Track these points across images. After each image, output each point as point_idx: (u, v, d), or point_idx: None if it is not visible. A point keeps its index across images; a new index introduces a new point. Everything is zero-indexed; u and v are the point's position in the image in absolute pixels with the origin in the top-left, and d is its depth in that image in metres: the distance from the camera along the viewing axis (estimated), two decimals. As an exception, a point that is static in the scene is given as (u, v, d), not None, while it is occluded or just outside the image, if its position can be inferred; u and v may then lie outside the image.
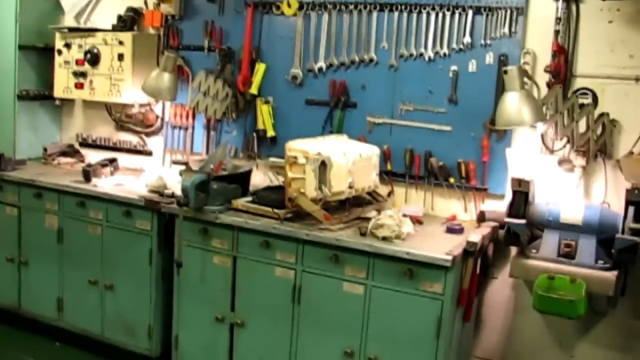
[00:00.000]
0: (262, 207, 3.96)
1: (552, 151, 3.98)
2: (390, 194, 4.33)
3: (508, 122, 3.60)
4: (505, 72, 3.58)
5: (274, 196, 3.99)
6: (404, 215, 3.82)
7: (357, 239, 3.64)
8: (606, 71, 3.82)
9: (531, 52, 3.96)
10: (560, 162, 3.94)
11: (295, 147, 3.79)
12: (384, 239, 3.61)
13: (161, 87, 4.53)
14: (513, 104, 3.55)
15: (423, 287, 3.51)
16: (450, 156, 4.19)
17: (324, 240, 3.68)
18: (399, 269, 3.54)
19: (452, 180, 4.19)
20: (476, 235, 3.63)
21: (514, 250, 3.93)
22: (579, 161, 3.85)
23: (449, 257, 3.40)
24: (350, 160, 3.81)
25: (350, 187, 3.83)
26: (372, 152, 4.05)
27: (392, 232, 3.62)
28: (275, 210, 3.86)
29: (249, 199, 4.12)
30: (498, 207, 4.06)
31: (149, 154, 5.25)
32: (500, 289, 4.17)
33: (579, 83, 3.89)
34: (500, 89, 3.96)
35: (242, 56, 4.70)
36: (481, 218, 4.01)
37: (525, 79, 3.62)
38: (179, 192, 4.19)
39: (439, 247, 3.55)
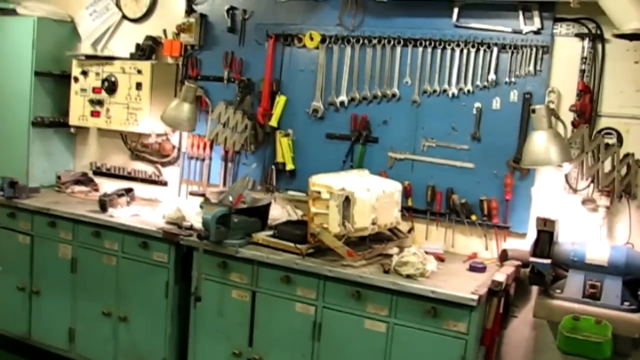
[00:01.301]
0: (284, 241, 3.92)
1: (575, 190, 3.95)
2: (410, 230, 4.29)
3: (535, 161, 3.57)
4: (533, 110, 3.57)
5: (296, 231, 3.95)
6: (427, 253, 3.77)
7: (381, 276, 3.60)
8: (631, 111, 3.81)
9: (556, 91, 3.94)
10: (584, 201, 3.92)
11: (319, 182, 3.76)
12: (408, 276, 3.57)
13: (181, 118, 4.50)
14: (540, 143, 3.53)
15: (447, 326, 3.47)
16: (472, 193, 4.16)
17: (347, 277, 3.64)
18: (422, 307, 3.50)
19: (473, 217, 4.15)
20: (501, 275, 3.59)
21: (534, 288, 3.91)
22: (603, 201, 3.82)
23: (475, 297, 3.36)
24: (374, 196, 3.77)
25: (374, 223, 3.79)
26: (394, 188, 4.02)
27: (417, 269, 3.57)
28: (298, 246, 3.81)
29: (270, 233, 4.07)
30: (520, 245, 4.04)
31: (164, 184, 5.21)
32: (521, 327, 4.11)
33: (603, 123, 3.88)
34: (524, 127, 3.98)
35: (262, 88, 4.69)
36: (504, 257, 3.97)
37: (552, 118, 3.60)
38: (197, 225, 4.17)
39: (463, 285, 3.51)
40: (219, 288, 4.05)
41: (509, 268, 3.76)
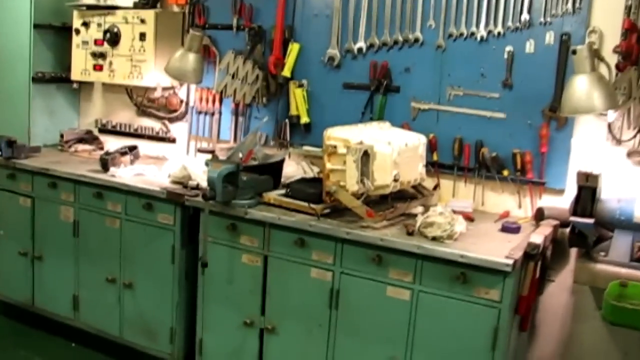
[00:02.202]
0: (297, 201, 3.58)
1: (620, 141, 3.57)
2: (436, 187, 3.93)
3: (576, 108, 3.19)
4: (574, 52, 3.18)
5: (310, 189, 3.62)
6: (455, 212, 3.43)
7: (404, 238, 3.26)
8: (685, 52, 3.39)
9: (597, 31, 3.53)
10: (630, 153, 3.54)
11: (335, 135, 3.41)
12: (434, 239, 3.23)
13: (186, 69, 4.16)
14: (582, 88, 3.16)
15: (477, 294, 3.13)
16: (503, 146, 3.80)
17: (367, 239, 3.30)
18: (450, 272, 3.17)
19: (505, 172, 3.79)
20: (538, 236, 3.23)
21: (574, 250, 3.56)
22: (652, 153, 3.45)
23: (510, 262, 3.01)
24: (396, 150, 3.41)
25: (396, 180, 3.43)
26: (418, 141, 3.65)
27: (444, 231, 3.23)
28: (312, 206, 3.48)
29: (282, 192, 3.75)
30: (558, 203, 3.70)
31: (173, 141, 4.91)
32: (558, 293, 3.76)
33: (652, 65, 3.46)
34: (562, 72, 3.60)
35: (273, 36, 4.32)
36: (539, 215, 3.61)
37: (596, 61, 3.20)
38: (204, 184, 3.84)
39: (496, 248, 3.18)
40: (228, 252, 3.75)
41: (546, 228, 3.40)
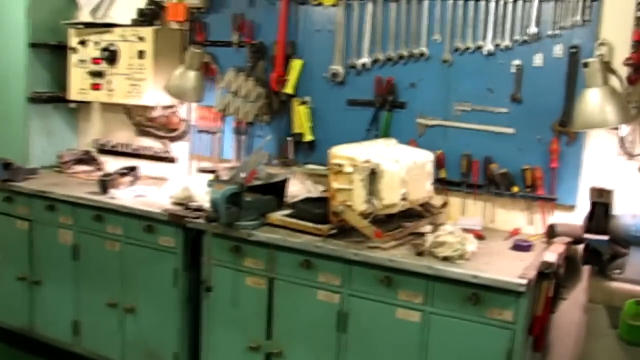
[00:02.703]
0: (303, 222, 3.49)
1: (632, 156, 3.47)
2: (444, 204, 3.83)
3: (589, 123, 3.11)
4: (586, 64, 3.10)
5: (316, 209, 3.52)
6: (464, 230, 3.34)
7: (414, 259, 3.16)
8: (695, 63, 3.32)
9: (607, 43, 3.45)
10: (642, 168, 3.45)
11: (341, 153, 3.32)
12: (445, 259, 3.13)
13: (186, 87, 4.08)
14: (595, 102, 3.07)
15: (490, 315, 3.03)
16: (512, 162, 3.71)
17: (375, 260, 3.21)
18: (462, 293, 3.07)
19: (515, 189, 3.69)
20: (551, 255, 3.13)
21: (586, 267, 3.47)
22: (665, 167, 3.36)
23: (524, 282, 2.92)
24: (404, 168, 3.32)
25: (404, 198, 3.35)
26: (425, 158, 3.57)
27: (455, 251, 3.13)
28: (318, 226, 3.38)
29: (287, 212, 3.65)
30: (569, 219, 3.61)
31: (173, 161, 4.80)
32: (571, 311, 3.65)
33: (663, 78, 3.38)
34: (572, 85, 3.52)
35: (275, 52, 4.23)
36: (551, 232, 3.51)
37: (608, 74, 3.12)
38: (207, 205, 3.76)
39: (508, 268, 3.08)
40: (232, 275, 3.64)
41: (559, 246, 3.30)
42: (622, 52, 3.41)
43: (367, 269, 3.26)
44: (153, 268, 3.94)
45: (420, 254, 3.20)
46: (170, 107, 4.66)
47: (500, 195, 3.76)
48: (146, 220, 3.90)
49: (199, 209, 3.78)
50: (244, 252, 3.59)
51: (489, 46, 3.71)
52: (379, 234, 3.24)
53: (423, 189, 3.54)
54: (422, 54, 3.88)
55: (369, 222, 3.26)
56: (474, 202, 3.87)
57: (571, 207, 3.64)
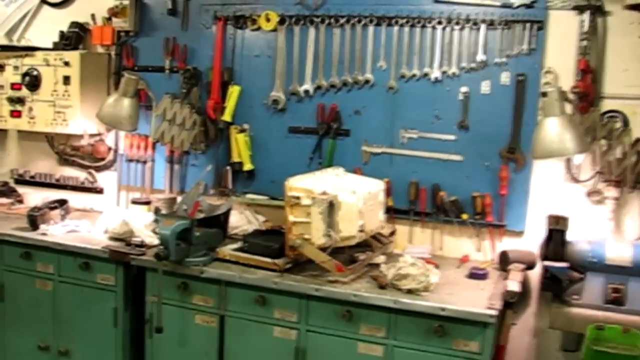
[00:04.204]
0: (256, 256, 3.35)
1: (577, 181, 3.54)
2: (392, 233, 3.78)
3: (548, 152, 3.13)
4: (545, 94, 3.14)
5: (269, 243, 3.39)
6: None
7: (377, 292, 3.09)
8: (638, 92, 3.42)
9: (553, 71, 3.52)
10: (589, 193, 3.52)
11: (298, 185, 3.21)
12: (410, 292, 3.07)
13: (121, 115, 3.84)
14: (553, 131, 3.10)
15: (457, 346, 3.00)
16: (461, 189, 3.71)
17: (337, 296, 3.11)
18: (427, 325, 3.02)
19: (464, 216, 3.69)
20: (514, 283, 3.13)
21: (533, 291, 3.56)
22: (612, 192, 3.46)
23: (494, 312, 2.91)
24: (361, 199, 3.24)
25: (361, 230, 3.26)
26: (377, 187, 3.50)
27: (419, 283, 3.08)
28: (276, 261, 3.25)
29: (235, 246, 3.51)
30: (517, 245, 3.65)
31: (100, 191, 4.54)
32: (520, 335, 3.67)
33: (607, 105, 3.46)
34: (519, 112, 3.57)
35: (211, 78, 4.08)
36: (504, 259, 3.52)
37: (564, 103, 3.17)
38: (149, 240, 3.59)
39: (472, 298, 3.08)
40: (179, 313, 3.45)
41: (517, 274, 3.30)
42: (566, 80, 3.48)
43: (326, 303, 3.16)
44: (90, 308, 3.68)
45: (382, 287, 3.13)
46: (97, 135, 4.41)
47: (449, 222, 3.75)
48: (82, 258, 3.64)
49: (141, 245, 3.57)
50: (192, 289, 3.41)
51: (436, 73, 3.70)
52: (340, 267, 3.14)
53: (377, 219, 3.48)
54: (367, 81, 3.83)
55: (328, 256, 3.16)
56: (421, 230, 3.84)
57: (520, 233, 3.67)
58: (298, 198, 3.17)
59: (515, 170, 3.62)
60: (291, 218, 3.20)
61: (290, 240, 3.21)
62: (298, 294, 3.19)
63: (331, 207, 3.14)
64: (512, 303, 3.10)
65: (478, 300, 3.03)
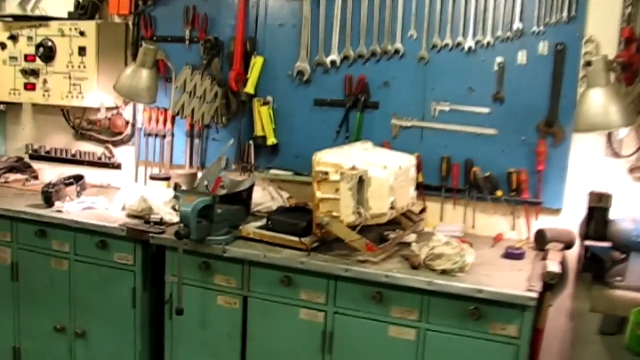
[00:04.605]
0: (281, 235, 3.19)
1: (619, 156, 3.35)
2: (423, 211, 3.62)
3: (592, 125, 2.94)
4: (589, 63, 2.95)
5: (296, 221, 3.23)
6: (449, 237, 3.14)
7: (410, 273, 2.92)
8: (686, 61, 3.21)
9: (594, 41, 3.32)
10: (632, 169, 3.33)
11: (326, 160, 3.04)
12: (444, 272, 2.91)
13: (139, 87, 3.69)
14: (598, 103, 2.92)
15: (493, 330, 2.83)
16: (495, 165, 3.54)
17: (368, 277, 2.95)
18: (462, 308, 2.86)
19: (499, 193, 3.51)
20: (554, 264, 2.95)
21: (571, 272, 3.40)
22: (656, 169, 3.26)
23: (534, 295, 2.73)
24: (392, 175, 3.07)
25: (392, 207, 3.10)
26: (409, 162, 3.33)
27: (454, 264, 2.91)
28: (303, 240, 3.10)
29: (259, 224, 3.35)
30: (554, 223, 3.47)
31: (118, 167, 4.40)
32: (556, 318, 3.50)
33: (652, 76, 3.26)
34: (558, 84, 3.38)
35: (233, 49, 3.90)
36: (541, 239, 3.35)
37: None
38: (168, 217, 3.45)
39: (510, 280, 2.89)
40: (200, 294, 3.31)
41: (557, 254, 3.13)
42: (609, 50, 3.27)
43: (355, 284, 3.00)
44: (108, 288, 3.55)
45: (415, 267, 2.97)
46: (115, 108, 4.26)
47: (482, 199, 3.58)
48: (99, 236, 3.50)
49: (160, 223, 3.42)
50: (214, 269, 3.27)
51: (469, 43, 3.51)
52: (371, 247, 2.98)
53: (408, 196, 3.31)
54: (397, 51, 3.64)
55: (358, 234, 3.00)
56: (453, 208, 3.68)
57: (557, 211, 3.50)
58: (326, 174, 3.00)
59: (553, 145, 3.43)
60: (319, 194, 3.04)
61: (317, 218, 3.05)
62: (326, 275, 3.04)
63: (361, 183, 2.97)
64: (552, 285, 2.93)
65: (516, 281, 2.86)
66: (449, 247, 2.96)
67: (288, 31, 3.85)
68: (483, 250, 3.31)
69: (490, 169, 3.53)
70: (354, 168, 2.99)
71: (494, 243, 3.46)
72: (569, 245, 3.32)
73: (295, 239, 3.12)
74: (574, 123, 3.10)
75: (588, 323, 3.42)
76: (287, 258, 3.08)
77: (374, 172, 3.01)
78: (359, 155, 3.19)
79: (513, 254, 3.22)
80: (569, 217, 3.44)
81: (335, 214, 3.01)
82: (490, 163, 3.53)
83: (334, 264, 3.00)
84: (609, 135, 3.34)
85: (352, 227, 3.01)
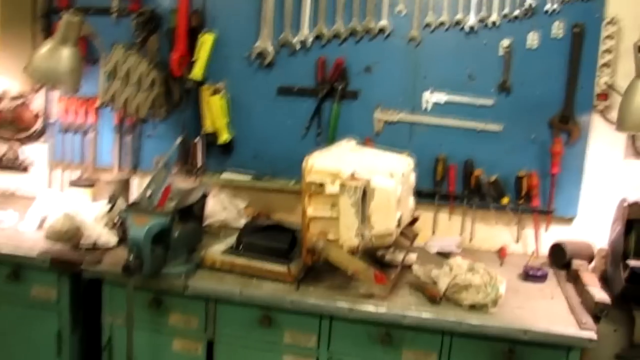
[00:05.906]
0: (260, 262, 2.52)
1: (641, 155, 2.91)
2: (414, 221, 3.02)
3: (643, 123, 2.44)
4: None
5: (272, 243, 2.57)
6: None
7: (432, 311, 2.33)
8: None
9: (617, 22, 2.82)
10: (659, 171, 2.88)
11: (321, 166, 2.39)
12: (473, 307, 2.33)
13: (59, 70, 2.88)
14: (651, 96, 2.40)
15: (531, 376, 2.31)
16: (499, 166, 3.02)
17: (382, 318, 2.33)
18: (491, 349, 2.35)
19: (505, 200, 2.97)
20: (601, 292, 2.43)
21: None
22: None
23: (592, 335, 2.23)
24: (399, 184, 2.46)
25: (398, 225, 2.49)
26: (407, 165, 2.72)
27: (486, 296, 2.34)
28: (289, 269, 2.43)
29: (223, 246, 2.66)
30: (565, 234, 3.00)
31: (25, 169, 3.56)
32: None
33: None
34: (574, 72, 2.88)
35: (175, 23, 3.16)
36: (558, 254, 2.84)
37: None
38: (104, 239, 2.69)
39: (549, 312, 2.40)
40: (149, 337, 2.60)
41: (591, 277, 2.61)
42: (633, 33, 2.84)
43: (355, 324, 2.39)
44: (24, 331, 2.76)
45: (434, 301, 2.38)
46: (20, 97, 3.43)
47: (484, 207, 3.02)
48: (8, 267, 2.70)
49: (93, 247, 2.67)
50: (168, 306, 2.56)
51: (471, 21, 2.95)
52: (381, 278, 2.36)
53: (407, 209, 2.70)
54: (381, 30, 3.03)
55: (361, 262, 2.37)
56: (448, 218, 3.11)
57: (569, 220, 3.03)
58: (321, 185, 2.36)
59: (567, 144, 2.92)
60: (310, 211, 2.39)
61: (309, 241, 2.40)
62: (319, 314, 2.41)
63: (364, 196, 2.34)
64: (600, 318, 2.41)
65: (558, 315, 2.37)
66: (476, 276, 2.38)
67: (246, 3, 3.15)
68: (493, 270, 2.74)
69: (492, 171, 3.00)
70: (353, 177, 2.35)
71: (500, 259, 2.93)
72: (591, 261, 2.83)
73: (281, 268, 2.46)
74: (593, 119, 2.66)
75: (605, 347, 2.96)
76: (270, 295, 2.41)
77: (377, 181, 2.38)
78: (354, 159, 2.56)
79: (535, 276, 2.69)
80: (583, 227, 2.97)
81: (331, 236, 2.37)
82: (493, 164, 3.02)
83: (331, 302, 2.37)
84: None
85: (353, 251, 2.38)
